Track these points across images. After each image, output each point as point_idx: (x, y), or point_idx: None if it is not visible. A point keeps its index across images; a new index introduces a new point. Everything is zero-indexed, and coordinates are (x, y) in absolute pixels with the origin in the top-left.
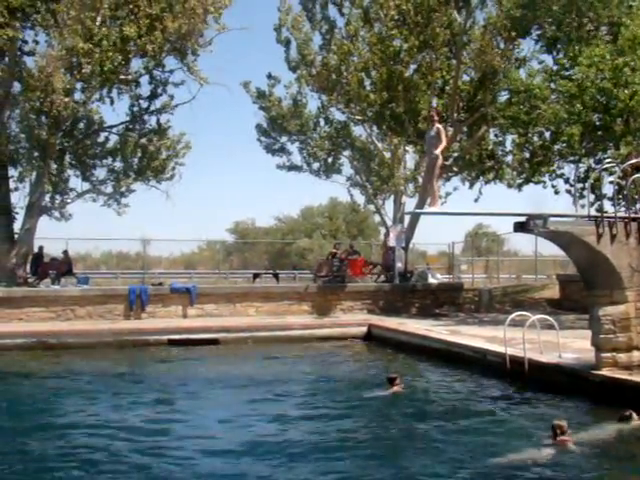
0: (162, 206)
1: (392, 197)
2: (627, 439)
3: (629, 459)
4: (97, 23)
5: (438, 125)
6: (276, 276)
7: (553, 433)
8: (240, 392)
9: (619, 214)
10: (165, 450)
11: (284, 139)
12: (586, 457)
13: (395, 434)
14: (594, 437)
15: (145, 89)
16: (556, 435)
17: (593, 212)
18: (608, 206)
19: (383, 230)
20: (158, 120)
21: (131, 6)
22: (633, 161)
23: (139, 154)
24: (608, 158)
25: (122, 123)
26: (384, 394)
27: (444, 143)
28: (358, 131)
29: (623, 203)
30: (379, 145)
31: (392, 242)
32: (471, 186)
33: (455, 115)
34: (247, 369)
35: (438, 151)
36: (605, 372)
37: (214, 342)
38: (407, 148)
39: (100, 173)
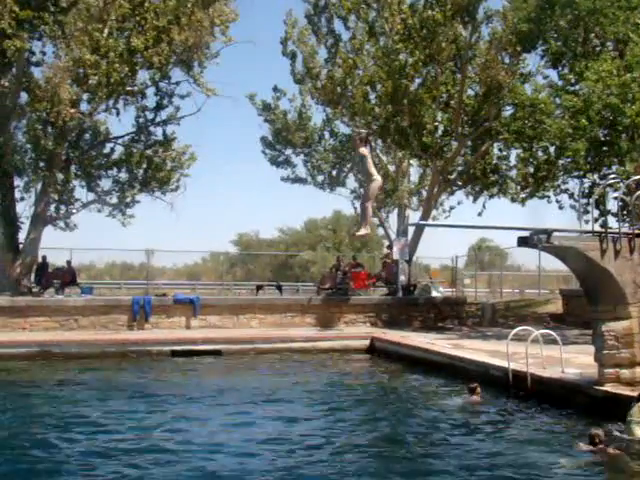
0: (167, 217)
1: (396, 210)
2: None
3: None
4: (104, 35)
5: (362, 150)
6: (279, 288)
7: (591, 442)
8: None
9: (623, 230)
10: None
11: (289, 151)
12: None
13: None
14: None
15: (151, 100)
16: (594, 444)
17: (597, 228)
18: (612, 222)
19: (387, 243)
20: (164, 131)
21: (138, 18)
22: (638, 177)
23: (144, 165)
24: (613, 174)
25: (128, 134)
26: (463, 402)
27: (371, 169)
28: None
29: (627, 219)
30: (384, 158)
31: (396, 255)
32: (475, 200)
33: (460, 129)
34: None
35: (375, 175)
36: (608, 388)
37: (217, 353)
38: (411, 162)
39: (105, 184)
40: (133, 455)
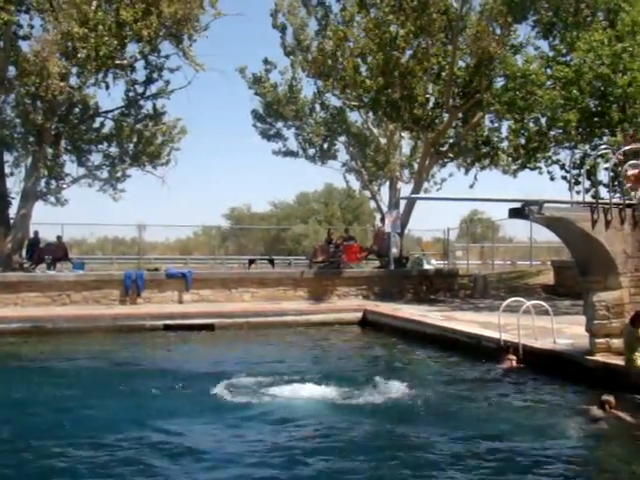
0: (158, 191)
1: (388, 183)
2: None
3: None
4: (92, 7)
5: None
6: (271, 262)
7: (602, 408)
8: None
9: (614, 200)
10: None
11: (280, 125)
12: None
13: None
14: None
15: (141, 74)
16: (605, 410)
17: (589, 198)
18: (604, 192)
19: (379, 216)
20: (154, 105)
21: None
22: (627, 147)
23: (135, 139)
24: (604, 144)
25: (118, 108)
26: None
27: None
28: (354, 117)
29: (618, 189)
30: (375, 131)
31: (388, 228)
32: (466, 172)
33: (451, 101)
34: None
35: None
36: (599, 357)
37: (210, 327)
38: (403, 134)
39: (96, 158)
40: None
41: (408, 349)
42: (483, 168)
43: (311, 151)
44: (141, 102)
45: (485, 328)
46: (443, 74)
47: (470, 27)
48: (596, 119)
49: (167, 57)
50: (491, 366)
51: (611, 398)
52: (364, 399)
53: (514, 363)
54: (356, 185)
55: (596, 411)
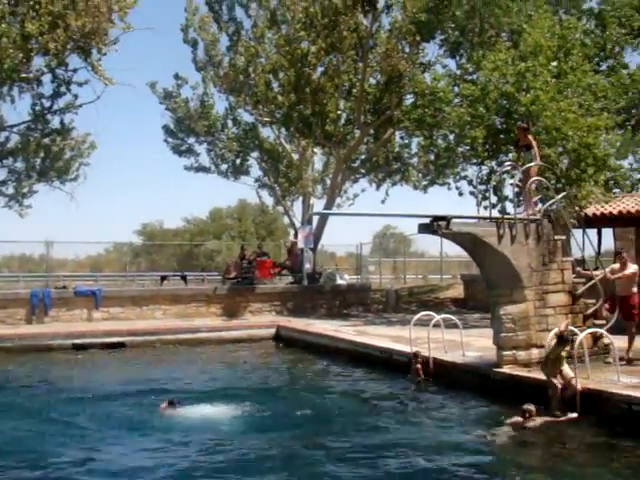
0: (67, 207)
1: (300, 199)
2: None
3: None
4: None
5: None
6: (184, 278)
7: (523, 417)
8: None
9: (519, 215)
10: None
11: (192, 140)
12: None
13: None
14: None
15: (48, 88)
16: (525, 418)
17: (495, 213)
18: (510, 208)
19: (292, 231)
20: (62, 120)
21: (32, 2)
22: (532, 164)
23: (42, 154)
24: (509, 161)
25: (24, 122)
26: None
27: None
28: (266, 133)
29: (523, 205)
30: (287, 147)
31: (301, 243)
32: (378, 187)
33: (362, 118)
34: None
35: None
36: (506, 369)
37: (120, 346)
38: (315, 150)
39: (0, 173)
40: None
41: (319, 364)
42: (394, 184)
43: (224, 167)
44: (48, 116)
45: (397, 342)
46: (354, 91)
47: (380, 45)
48: (502, 136)
49: (75, 71)
50: (402, 379)
51: (532, 407)
52: (266, 414)
53: (421, 373)
54: (269, 201)
55: (517, 420)
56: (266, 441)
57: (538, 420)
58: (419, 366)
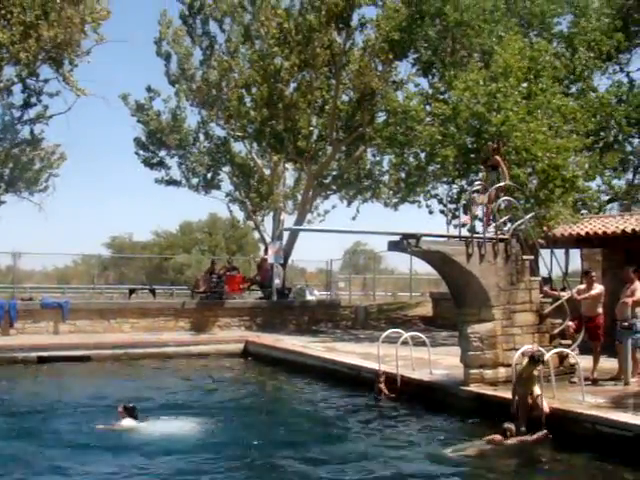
0: (35, 218)
1: (271, 214)
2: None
3: None
4: None
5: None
6: (153, 292)
7: (504, 435)
8: None
9: (487, 235)
10: None
11: (163, 153)
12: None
13: None
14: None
15: (18, 98)
16: (505, 436)
17: (465, 232)
18: (479, 227)
19: (262, 246)
20: (32, 130)
21: (3, 12)
22: (500, 184)
23: (10, 165)
24: (479, 180)
25: None
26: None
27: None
28: (238, 147)
29: (492, 224)
30: (259, 162)
31: (271, 259)
32: (349, 204)
33: (334, 134)
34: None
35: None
36: (472, 388)
37: (86, 359)
38: (287, 165)
39: None
40: None
41: (287, 380)
42: (365, 200)
43: (195, 180)
44: (18, 126)
45: (365, 359)
46: (327, 107)
47: (353, 62)
48: (472, 155)
49: (46, 81)
50: (370, 396)
51: (512, 426)
52: (228, 428)
53: (385, 391)
54: (240, 215)
55: (497, 438)
56: (223, 456)
57: (514, 439)
58: (381, 385)
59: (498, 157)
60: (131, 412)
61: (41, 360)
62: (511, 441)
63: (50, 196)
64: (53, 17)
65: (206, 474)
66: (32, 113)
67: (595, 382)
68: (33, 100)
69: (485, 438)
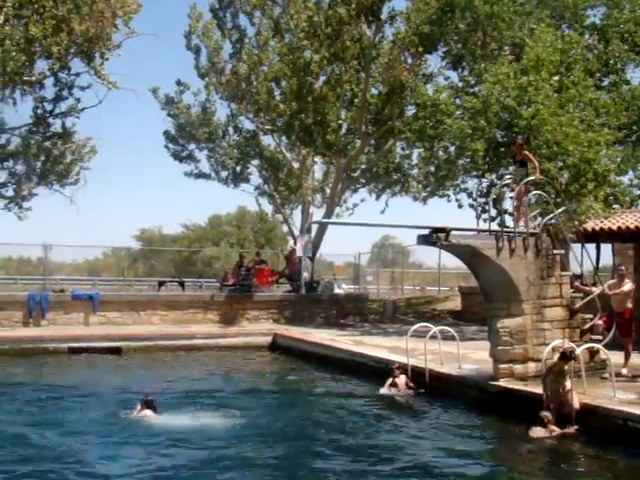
0: (66, 211)
1: (300, 207)
2: None
3: None
4: (0, 22)
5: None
6: (182, 284)
7: (542, 425)
8: None
9: (518, 229)
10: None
11: (192, 146)
12: None
13: None
14: None
15: (50, 91)
16: (544, 425)
17: (494, 226)
18: (509, 221)
19: (291, 240)
20: (63, 123)
21: (36, 6)
22: (531, 179)
23: (42, 157)
24: (509, 174)
25: (25, 125)
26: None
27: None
28: (267, 141)
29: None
30: (288, 155)
31: (299, 252)
32: (378, 198)
33: (363, 128)
34: None
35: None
36: (502, 383)
37: (116, 351)
38: (315, 159)
39: (1, 176)
40: None
41: (315, 373)
42: (394, 194)
43: (224, 174)
44: (50, 120)
45: (393, 353)
46: (356, 101)
47: (382, 55)
48: (502, 149)
49: (78, 75)
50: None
51: (549, 414)
52: (260, 423)
53: (403, 386)
54: (269, 209)
55: (538, 430)
56: (250, 447)
57: (556, 429)
58: (397, 379)
59: (527, 152)
60: (150, 404)
61: (72, 351)
62: (554, 432)
63: (81, 189)
64: (85, 11)
65: (227, 465)
66: (64, 106)
67: (634, 378)
68: (65, 93)
69: (532, 432)
